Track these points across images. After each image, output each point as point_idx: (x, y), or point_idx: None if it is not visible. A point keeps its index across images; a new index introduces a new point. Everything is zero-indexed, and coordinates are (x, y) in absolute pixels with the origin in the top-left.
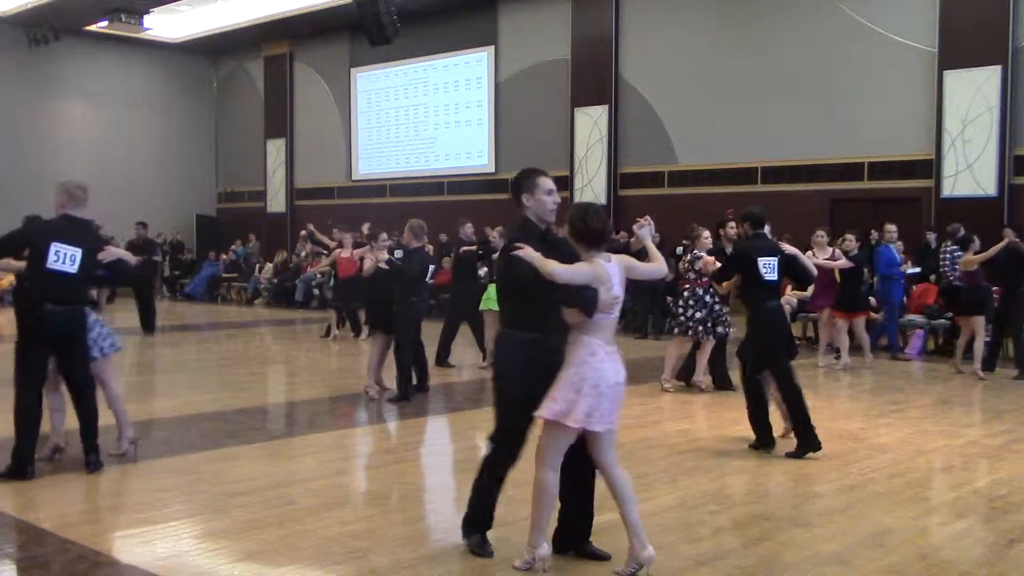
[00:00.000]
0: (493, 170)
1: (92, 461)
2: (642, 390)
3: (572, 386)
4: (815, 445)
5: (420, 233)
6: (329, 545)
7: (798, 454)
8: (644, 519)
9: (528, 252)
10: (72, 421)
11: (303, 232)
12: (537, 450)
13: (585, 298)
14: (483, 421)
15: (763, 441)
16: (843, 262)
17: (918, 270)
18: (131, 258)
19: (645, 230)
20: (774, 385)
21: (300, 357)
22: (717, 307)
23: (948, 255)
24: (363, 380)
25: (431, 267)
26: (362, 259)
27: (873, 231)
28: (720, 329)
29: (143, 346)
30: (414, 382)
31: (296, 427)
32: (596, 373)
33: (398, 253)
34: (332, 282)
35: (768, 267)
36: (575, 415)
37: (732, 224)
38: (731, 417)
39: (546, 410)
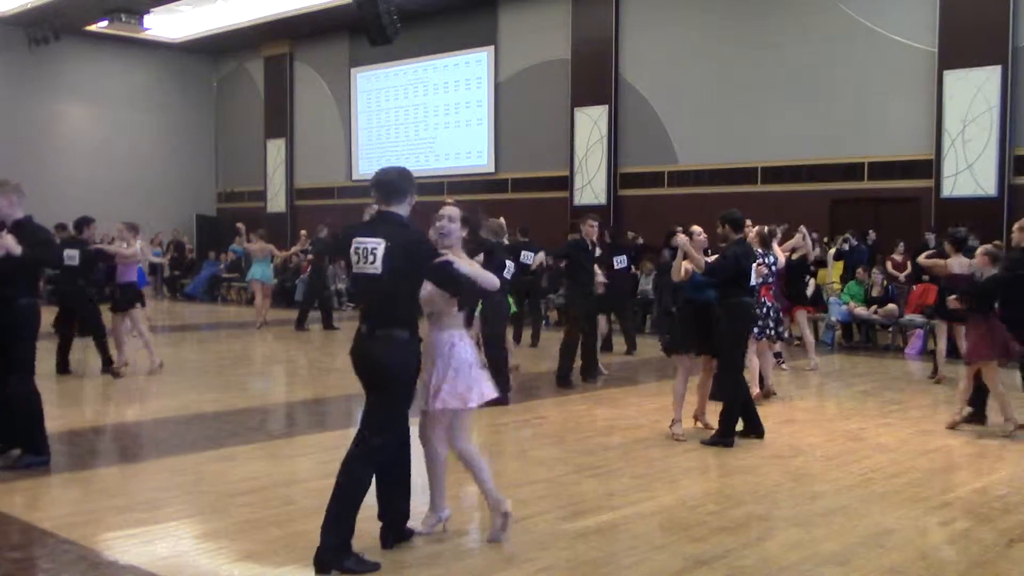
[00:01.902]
0: (493, 170)
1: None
2: (640, 390)
3: (462, 372)
4: (730, 441)
5: (501, 232)
6: None
7: (715, 441)
8: (644, 519)
9: (463, 265)
10: None
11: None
12: (453, 435)
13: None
14: (483, 420)
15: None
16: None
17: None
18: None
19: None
20: (706, 372)
21: (300, 357)
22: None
23: None
24: None
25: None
26: None
27: (871, 232)
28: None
29: (143, 346)
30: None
31: (296, 427)
32: (466, 355)
33: None
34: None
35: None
36: (475, 395)
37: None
38: None
39: (456, 400)
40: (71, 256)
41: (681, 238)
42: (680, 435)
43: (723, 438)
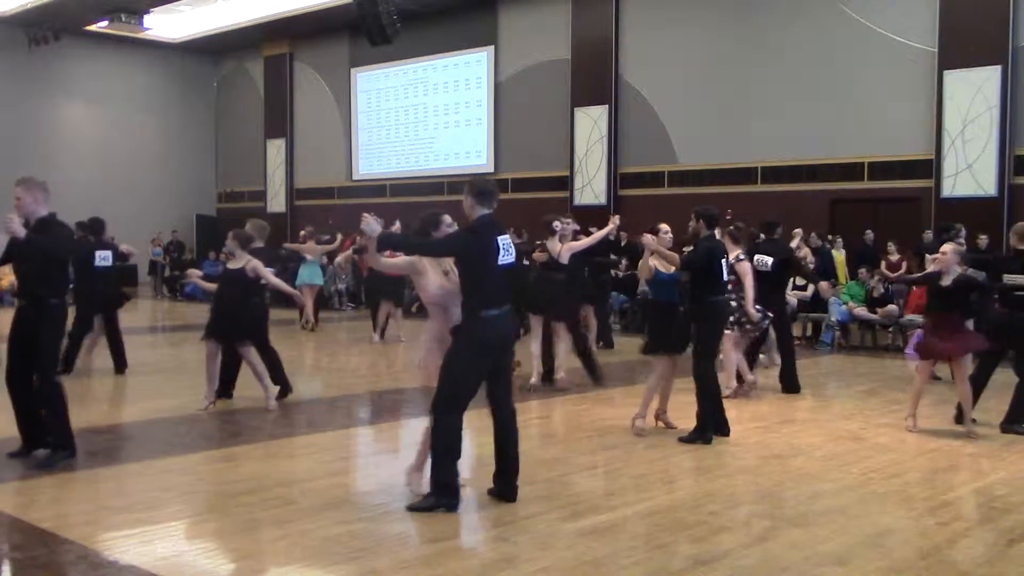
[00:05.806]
0: (492, 170)
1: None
2: (639, 390)
3: None
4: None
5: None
6: (329, 545)
7: (692, 438)
8: (643, 519)
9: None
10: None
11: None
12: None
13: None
14: (485, 420)
15: (720, 430)
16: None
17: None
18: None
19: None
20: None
21: (300, 357)
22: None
23: None
24: (365, 380)
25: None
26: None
27: (869, 231)
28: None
29: (143, 346)
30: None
31: (296, 427)
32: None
33: None
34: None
35: (726, 267)
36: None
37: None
38: (731, 416)
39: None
40: (104, 257)
41: (648, 237)
42: (642, 430)
43: (702, 434)
